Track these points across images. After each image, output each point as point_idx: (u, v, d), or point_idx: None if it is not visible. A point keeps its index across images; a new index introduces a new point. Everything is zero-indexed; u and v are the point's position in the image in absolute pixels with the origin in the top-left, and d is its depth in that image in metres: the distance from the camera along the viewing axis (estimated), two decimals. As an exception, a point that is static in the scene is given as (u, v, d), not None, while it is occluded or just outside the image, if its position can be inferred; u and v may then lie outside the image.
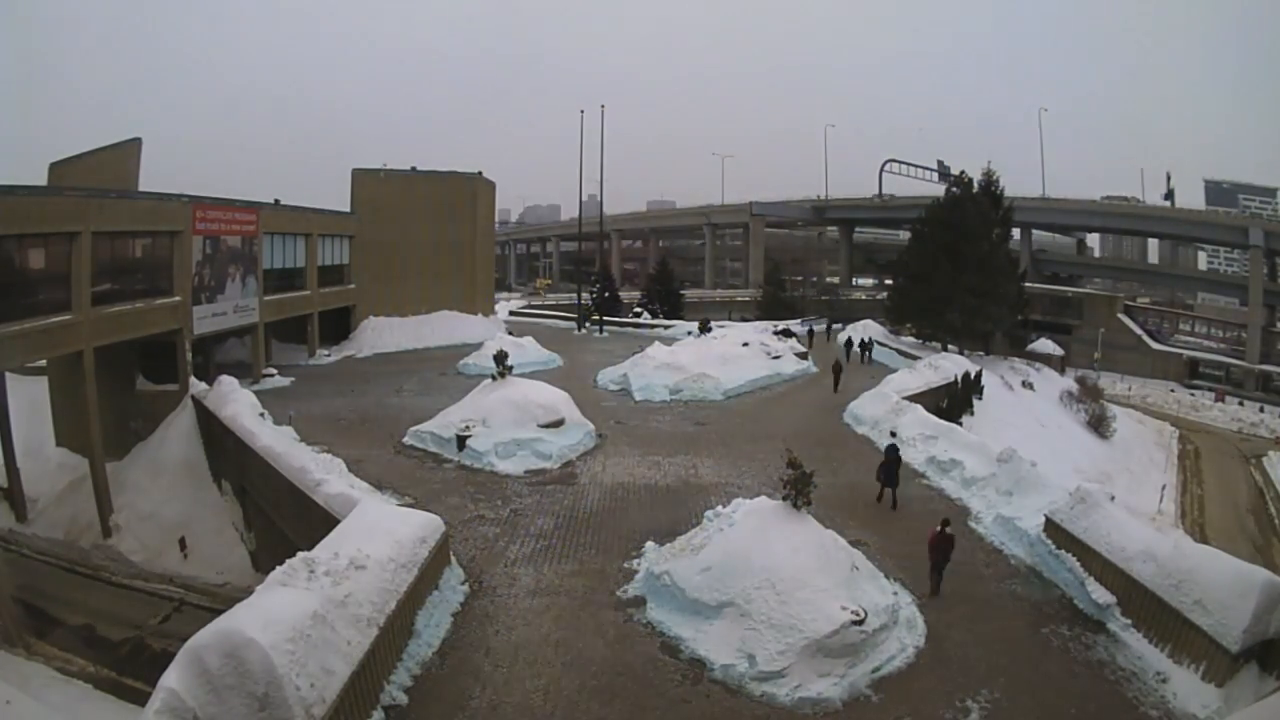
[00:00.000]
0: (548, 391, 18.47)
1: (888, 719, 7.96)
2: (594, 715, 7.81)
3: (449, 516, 11.50)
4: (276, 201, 28.84)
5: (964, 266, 31.47)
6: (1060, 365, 41.85)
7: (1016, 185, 37.74)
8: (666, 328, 38.45)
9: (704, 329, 31.11)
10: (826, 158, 79.87)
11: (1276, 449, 33.86)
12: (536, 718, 7.74)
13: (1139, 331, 52.00)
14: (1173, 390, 46.51)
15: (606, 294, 43.32)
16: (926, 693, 8.34)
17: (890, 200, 67.55)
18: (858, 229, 75.52)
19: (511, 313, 45.27)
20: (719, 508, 11.22)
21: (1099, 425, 31.79)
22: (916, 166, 70.45)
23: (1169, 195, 60.06)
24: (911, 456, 16.78)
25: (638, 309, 45.62)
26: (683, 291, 50.92)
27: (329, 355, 30.25)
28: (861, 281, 65.28)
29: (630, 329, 39.75)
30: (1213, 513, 26.79)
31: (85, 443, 18.73)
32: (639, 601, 10.05)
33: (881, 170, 70.78)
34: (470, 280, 37.40)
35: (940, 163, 68.78)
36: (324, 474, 12.63)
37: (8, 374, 19.25)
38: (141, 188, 22.99)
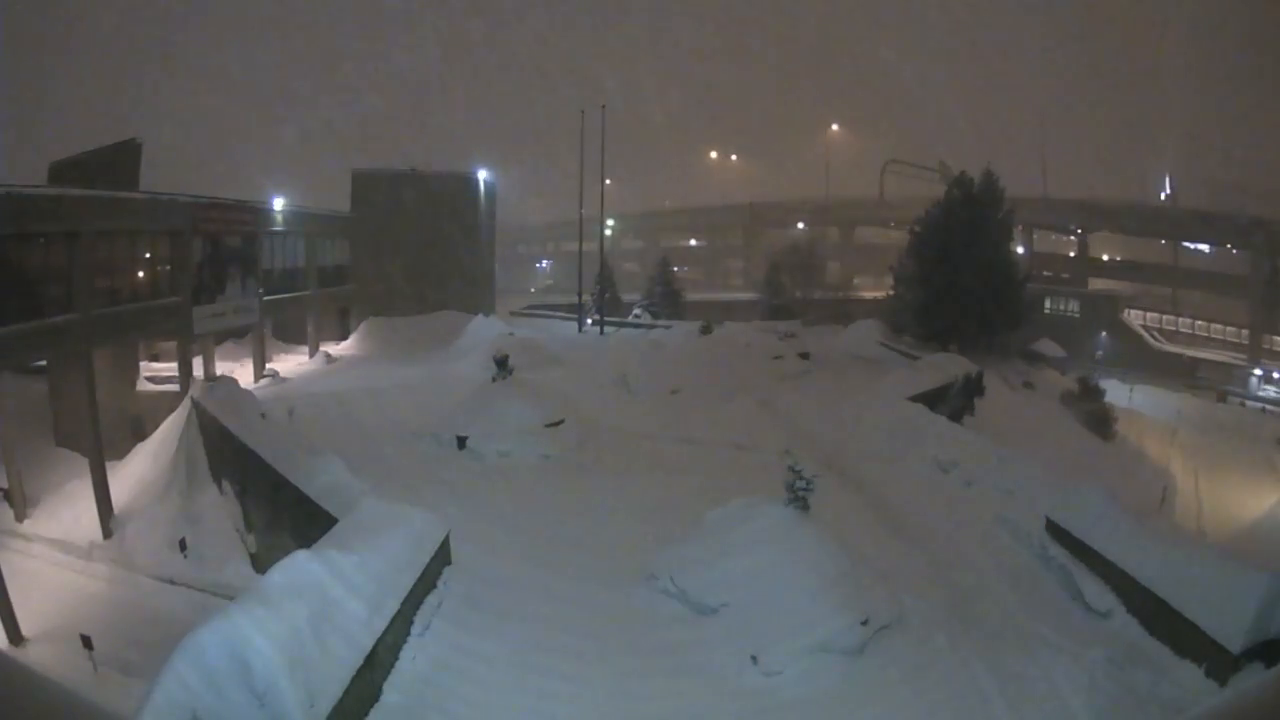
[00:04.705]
0: (549, 391, 18.47)
1: (889, 718, 7.95)
2: (592, 716, 7.80)
3: (448, 516, 11.48)
4: (277, 202, 28.87)
5: (964, 267, 31.46)
6: (1061, 365, 41.79)
7: (1017, 185, 37.63)
8: (667, 328, 38.41)
9: (705, 330, 31.14)
10: (827, 158, 79.67)
11: (1277, 450, 33.78)
12: (536, 717, 7.73)
13: (1140, 332, 51.90)
14: (1174, 390, 46.43)
15: (607, 295, 43.24)
16: (928, 692, 8.32)
17: (891, 201, 67.49)
18: (858, 229, 75.45)
19: (512, 313, 45.24)
20: (720, 508, 11.21)
21: (1100, 425, 31.73)
22: (918, 167, 70.39)
23: (1169, 195, 59.94)
24: (912, 456, 16.80)
25: (638, 310, 45.53)
26: (683, 292, 50.85)
27: (329, 355, 30.25)
28: (862, 282, 65.19)
29: (631, 329, 39.73)
30: (1213, 513, 26.75)
31: (85, 443, 18.73)
32: (639, 601, 10.03)
33: (883, 171, 70.76)
34: (470, 280, 37.36)
35: (942, 163, 68.67)
36: (323, 473, 12.62)
37: (8, 374, 19.25)
38: (141, 188, 23.01)
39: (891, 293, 36.24)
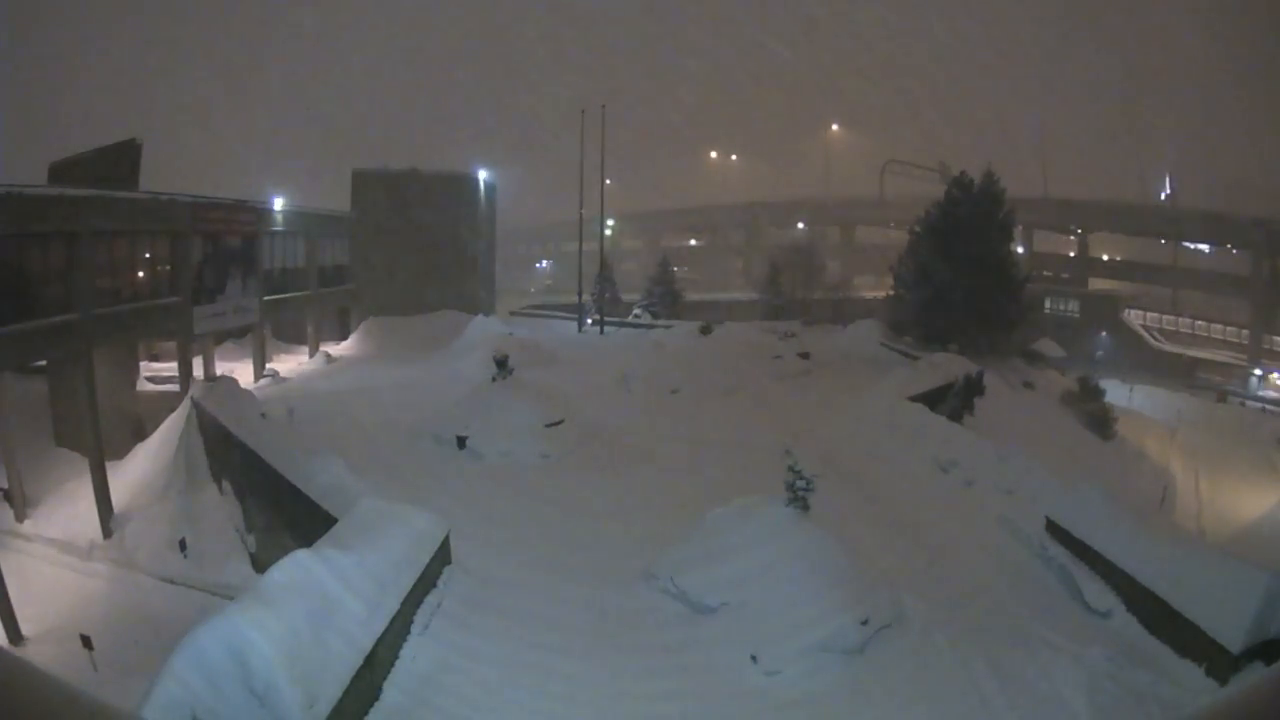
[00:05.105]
0: (548, 391, 18.49)
1: (890, 718, 7.95)
2: (592, 716, 7.80)
3: (448, 515, 11.47)
4: (277, 202, 28.89)
5: (964, 267, 31.50)
6: (1061, 365, 41.78)
7: (1017, 185, 37.64)
8: (667, 328, 38.41)
9: (705, 330, 31.21)
10: (827, 158, 79.74)
11: (1277, 450, 33.77)
12: (535, 717, 7.73)
13: (1140, 332, 51.92)
14: (1174, 390, 46.42)
15: (607, 294, 43.22)
16: (928, 692, 8.32)
17: (891, 201, 67.53)
18: (858, 229, 75.55)
19: (512, 312, 45.26)
20: (720, 508, 11.20)
21: (1100, 425, 31.73)
22: (918, 167, 70.42)
23: (1169, 195, 59.97)
24: (912, 456, 16.81)
25: (638, 310, 45.52)
26: (683, 292, 50.86)
27: (329, 355, 30.25)
28: (862, 282, 65.27)
29: (631, 329, 39.71)
30: (1213, 513, 26.75)
31: (85, 443, 18.74)
32: (638, 601, 10.03)
33: (883, 171, 70.83)
34: (470, 280, 37.38)
35: (942, 163, 68.67)
36: (323, 473, 12.63)
37: (8, 374, 19.26)
38: (141, 188, 23.03)
39: (891, 293, 36.24)
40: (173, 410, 20.23)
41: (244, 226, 25.99)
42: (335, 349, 31.12)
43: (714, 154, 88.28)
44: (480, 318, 33.73)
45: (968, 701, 8.11)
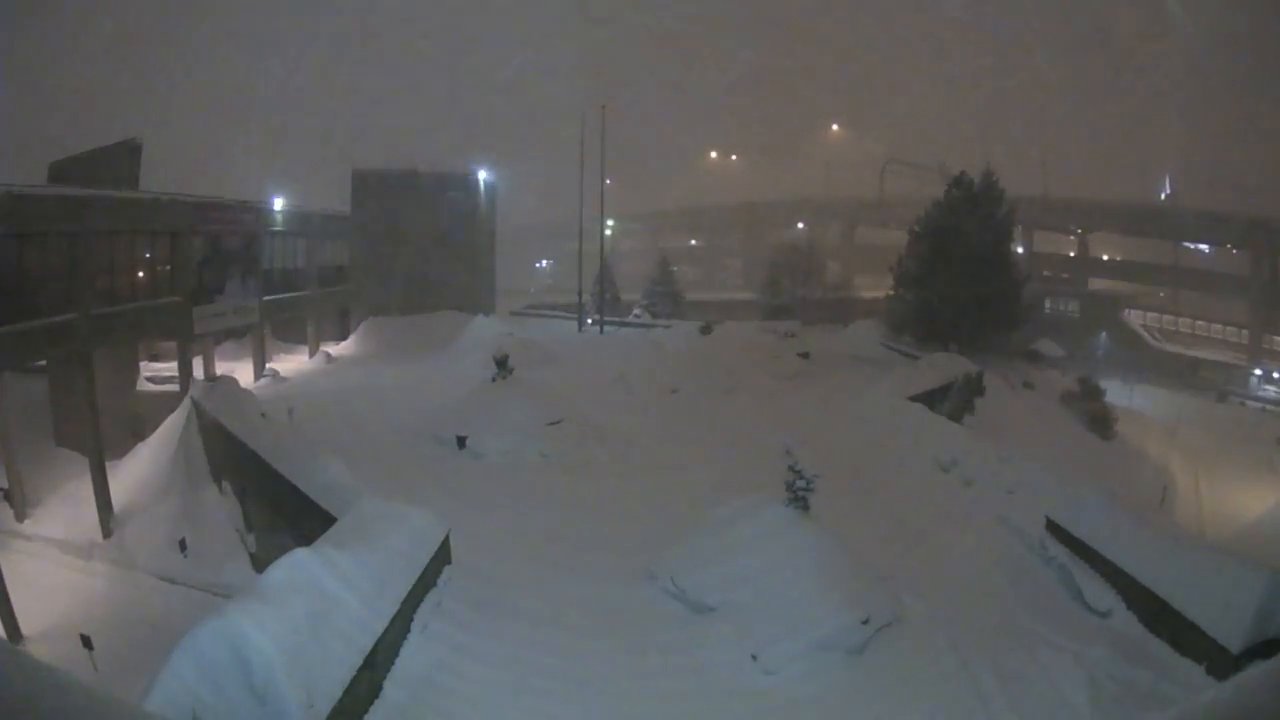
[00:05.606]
0: (548, 390, 18.48)
1: (890, 717, 7.95)
2: (592, 715, 7.80)
3: (448, 515, 11.48)
4: (277, 202, 28.88)
5: (964, 266, 31.54)
6: (1061, 365, 41.76)
7: (1017, 185, 37.64)
8: (667, 328, 38.39)
9: (705, 330, 31.23)
10: (828, 158, 79.69)
11: (1277, 450, 33.75)
12: (535, 717, 7.73)
13: (1140, 332, 51.93)
14: (1174, 390, 46.41)
15: (607, 294, 43.22)
16: (928, 691, 8.32)
17: (891, 201, 67.50)
18: (858, 229, 75.55)
19: (512, 312, 45.22)
20: (720, 508, 11.21)
21: (1100, 425, 31.71)
22: (918, 166, 70.39)
23: (1169, 195, 59.97)
24: (912, 456, 16.81)
25: (638, 310, 45.52)
26: (683, 292, 50.86)
27: (329, 355, 30.26)
28: (862, 282, 65.20)
29: (631, 328, 39.70)
30: (1213, 513, 26.73)
31: (85, 443, 18.75)
32: (638, 601, 10.03)
33: (883, 171, 70.80)
34: (470, 280, 37.35)
35: (942, 163, 68.62)
36: (323, 473, 12.62)
37: (8, 374, 19.27)
38: (141, 188, 23.03)
39: (891, 293, 36.24)
40: (173, 410, 20.22)
41: (244, 226, 26.00)
42: (335, 349, 31.11)
43: (714, 154, 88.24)
44: (480, 318, 33.71)
45: (968, 701, 8.11)
